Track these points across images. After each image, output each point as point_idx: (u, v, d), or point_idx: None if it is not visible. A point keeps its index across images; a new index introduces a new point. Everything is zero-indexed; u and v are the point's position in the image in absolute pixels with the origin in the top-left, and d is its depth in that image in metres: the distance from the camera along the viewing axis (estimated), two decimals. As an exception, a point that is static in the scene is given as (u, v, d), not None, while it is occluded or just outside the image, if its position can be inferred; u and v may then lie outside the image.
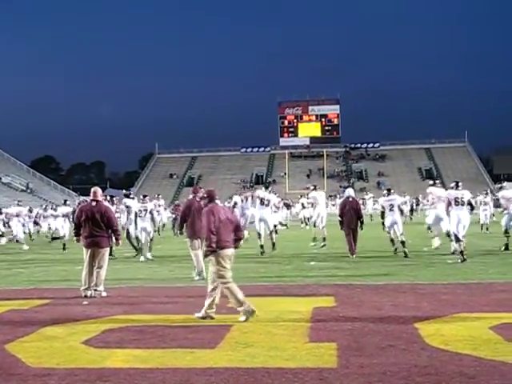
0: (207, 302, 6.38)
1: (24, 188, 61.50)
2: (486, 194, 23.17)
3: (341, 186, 71.45)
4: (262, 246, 13.80)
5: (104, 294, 8.20)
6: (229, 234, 6.54)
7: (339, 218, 13.33)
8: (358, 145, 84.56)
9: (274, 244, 14.22)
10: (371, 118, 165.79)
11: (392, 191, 14.17)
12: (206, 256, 6.54)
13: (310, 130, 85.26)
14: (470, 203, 11.54)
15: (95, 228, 8.44)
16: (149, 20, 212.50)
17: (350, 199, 13.71)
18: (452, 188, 11.83)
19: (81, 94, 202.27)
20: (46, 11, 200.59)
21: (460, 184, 11.81)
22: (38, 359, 4.91)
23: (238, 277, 9.65)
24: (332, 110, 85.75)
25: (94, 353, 5.07)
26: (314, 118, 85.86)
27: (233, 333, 5.65)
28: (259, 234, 13.91)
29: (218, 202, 6.91)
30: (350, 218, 13.21)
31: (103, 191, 11.73)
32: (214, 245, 6.29)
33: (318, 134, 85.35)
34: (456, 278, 8.95)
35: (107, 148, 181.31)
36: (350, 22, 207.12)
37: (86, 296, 8.12)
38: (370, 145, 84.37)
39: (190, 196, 10.28)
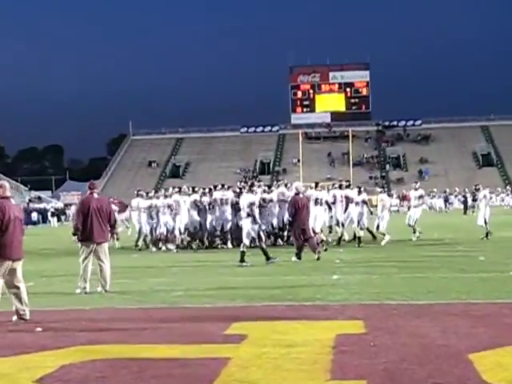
0: None
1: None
2: None
3: (371, 178, 71.65)
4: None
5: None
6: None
7: (289, 219, 14.96)
8: (394, 123, 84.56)
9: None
10: (410, 88, 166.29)
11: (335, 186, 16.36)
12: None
13: (330, 103, 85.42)
14: None
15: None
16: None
17: (301, 195, 15.03)
18: None
19: (32, 63, 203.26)
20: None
21: None
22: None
23: (238, 294, 9.70)
24: (360, 78, 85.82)
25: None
26: (336, 87, 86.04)
27: (231, 368, 5.65)
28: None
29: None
30: (303, 218, 14.67)
31: (60, 185, 12.57)
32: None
33: (342, 108, 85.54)
34: (523, 296, 8.94)
35: (66, 128, 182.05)
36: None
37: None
38: (410, 122, 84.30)
39: (87, 192, 11.12)
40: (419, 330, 6.98)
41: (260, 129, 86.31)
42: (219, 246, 19.64)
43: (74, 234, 10.89)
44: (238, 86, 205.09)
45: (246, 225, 14.64)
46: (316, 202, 18.41)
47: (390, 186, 70.38)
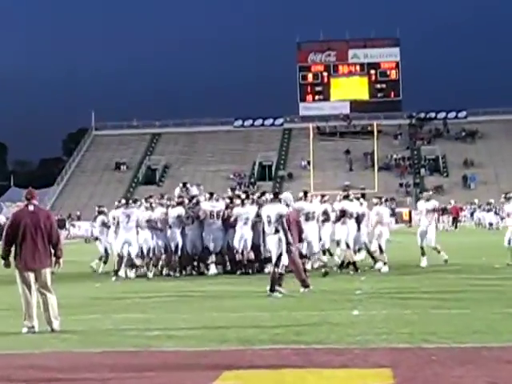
0: None
1: None
2: None
3: (401, 185, 71.75)
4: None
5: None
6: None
7: (290, 239, 14.73)
8: (432, 115, 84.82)
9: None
10: (452, 72, 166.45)
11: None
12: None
13: (350, 89, 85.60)
14: None
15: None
16: None
17: (291, 209, 15.38)
18: None
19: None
20: None
21: None
22: None
23: (231, 335, 9.68)
24: (388, 57, 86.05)
25: None
26: (357, 68, 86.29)
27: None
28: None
29: None
30: (293, 237, 14.78)
31: (2, 193, 12.54)
32: None
33: (365, 95, 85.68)
34: None
35: (10, 123, 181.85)
36: None
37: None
38: (451, 115, 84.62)
39: (22, 204, 11.23)
40: (463, 380, 6.97)
41: (259, 122, 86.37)
42: (200, 271, 19.84)
43: (3, 258, 10.85)
44: (232, 66, 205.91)
45: (273, 243, 14.76)
46: (307, 216, 18.69)
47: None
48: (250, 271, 19.49)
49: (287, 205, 15.47)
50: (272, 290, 14.34)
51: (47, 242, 10.71)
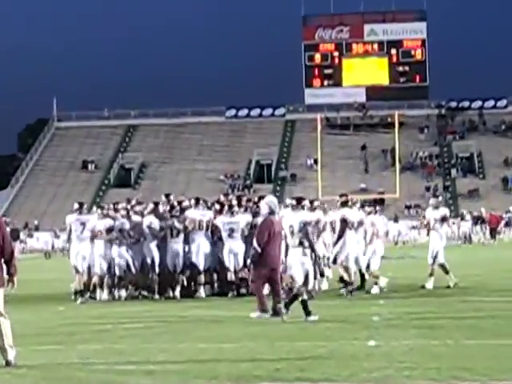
0: None
1: None
2: None
3: (428, 189, 71.71)
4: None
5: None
6: None
7: (257, 250, 15.18)
8: (465, 103, 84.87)
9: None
10: (489, 52, 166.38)
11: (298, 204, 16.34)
12: None
13: (366, 72, 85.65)
14: None
15: None
16: None
17: (276, 217, 15.44)
18: None
19: None
20: None
21: None
22: None
23: (222, 370, 9.69)
24: (412, 33, 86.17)
25: None
26: (374, 47, 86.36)
27: None
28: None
29: None
30: (276, 252, 15.08)
31: None
32: None
33: (384, 80, 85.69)
34: None
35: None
36: None
37: None
38: (489, 103, 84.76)
39: None
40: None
41: (256, 112, 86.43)
42: (190, 292, 19.88)
43: None
44: (224, 46, 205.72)
45: (296, 258, 14.86)
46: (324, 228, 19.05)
47: (457, 201, 70.52)
48: (245, 291, 19.52)
49: (271, 212, 15.55)
50: (307, 313, 14.48)
51: None
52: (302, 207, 15.60)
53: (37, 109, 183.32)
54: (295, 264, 14.93)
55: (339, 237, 19.56)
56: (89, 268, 20.06)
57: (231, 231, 19.46)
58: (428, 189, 72.39)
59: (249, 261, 18.14)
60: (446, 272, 20.86)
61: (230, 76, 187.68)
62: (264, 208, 16.13)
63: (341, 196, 21.06)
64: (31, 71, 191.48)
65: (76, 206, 21.01)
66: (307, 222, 15.00)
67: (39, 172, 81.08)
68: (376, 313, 15.33)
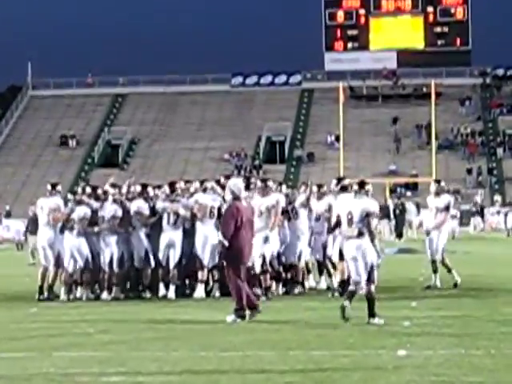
0: None
1: None
2: None
3: (470, 171, 71.66)
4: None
5: None
6: None
7: (224, 242, 15.55)
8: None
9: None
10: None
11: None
12: None
13: (398, 33, 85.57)
14: None
15: None
16: None
17: (243, 203, 15.97)
18: None
19: None
20: None
21: None
22: None
23: (224, 382, 9.69)
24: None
25: None
26: (408, 4, 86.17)
27: None
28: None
29: None
30: (246, 242, 15.54)
31: None
32: None
33: (419, 43, 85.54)
34: None
35: None
36: None
37: None
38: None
39: None
40: None
41: (267, 79, 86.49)
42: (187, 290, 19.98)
43: None
44: (230, 3, 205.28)
45: (353, 249, 15.08)
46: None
47: (504, 186, 70.36)
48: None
49: (236, 197, 15.82)
50: (372, 314, 14.72)
51: None
52: (366, 193, 15.53)
53: (8, 74, 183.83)
54: (351, 255, 15.06)
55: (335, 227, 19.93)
56: (57, 261, 20.21)
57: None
58: (470, 171, 72.29)
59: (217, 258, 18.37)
60: (449, 270, 21.25)
61: (237, 37, 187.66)
62: (227, 193, 16.45)
63: (338, 180, 21.04)
64: (2, 32, 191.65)
65: (48, 187, 21.18)
66: (370, 211, 15.04)
67: (11, 149, 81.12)
68: (407, 317, 15.35)
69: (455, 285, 20.97)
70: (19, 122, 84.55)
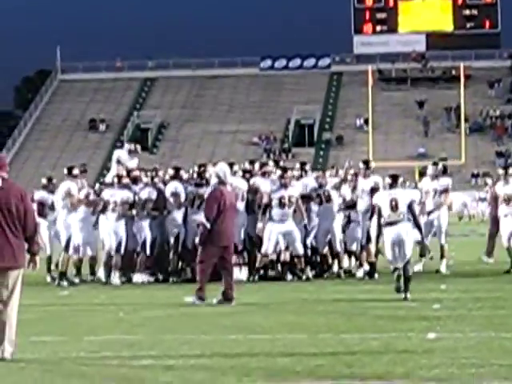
0: None
1: None
2: None
3: (500, 154, 71.26)
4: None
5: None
6: None
7: (206, 225, 15.86)
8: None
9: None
10: None
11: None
12: None
13: (427, 16, 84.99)
14: None
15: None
16: None
17: (228, 187, 16.38)
18: None
19: None
20: None
21: None
22: None
23: (254, 366, 9.71)
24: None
25: None
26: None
27: None
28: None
29: None
30: (228, 227, 15.94)
31: None
32: None
33: (448, 26, 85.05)
34: None
35: None
36: None
37: None
38: None
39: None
40: None
41: (296, 63, 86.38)
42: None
43: None
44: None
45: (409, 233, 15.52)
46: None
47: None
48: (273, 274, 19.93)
49: (221, 182, 16.13)
50: (406, 289, 15.35)
51: (19, 230, 10.41)
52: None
53: (37, 58, 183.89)
54: (391, 241, 15.41)
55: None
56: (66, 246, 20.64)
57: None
58: (499, 154, 71.99)
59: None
60: (442, 256, 21.31)
61: (266, 21, 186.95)
62: (212, 178, 16.88)
63: (364, 163, 21.19)
64: (31, 15, 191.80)
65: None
66: (414, 200, 15.54)
67: (40, 133, 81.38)
68: (437, 299, 15.34)
69: (437, 271, 20.99)
70: (48, 106, 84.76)
